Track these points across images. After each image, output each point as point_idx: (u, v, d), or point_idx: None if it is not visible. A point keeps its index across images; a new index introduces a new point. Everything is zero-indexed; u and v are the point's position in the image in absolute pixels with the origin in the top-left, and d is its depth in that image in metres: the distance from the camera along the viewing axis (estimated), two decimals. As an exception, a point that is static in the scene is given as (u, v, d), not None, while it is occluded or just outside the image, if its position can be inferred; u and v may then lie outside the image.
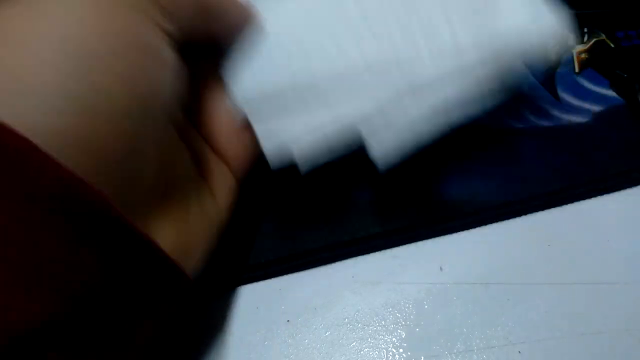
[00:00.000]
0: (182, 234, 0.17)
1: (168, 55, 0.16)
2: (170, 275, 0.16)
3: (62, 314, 0.12)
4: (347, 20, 0.19)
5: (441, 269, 0.23)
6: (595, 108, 0.27)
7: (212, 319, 0.22)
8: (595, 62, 0.29)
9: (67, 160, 0.12)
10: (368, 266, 0.23)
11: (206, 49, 0.20)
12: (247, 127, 0.20)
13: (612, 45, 0.29)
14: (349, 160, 0.26)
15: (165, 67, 0.16)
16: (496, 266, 0.23)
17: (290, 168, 0.20)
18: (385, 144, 0.19)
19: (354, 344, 0.21)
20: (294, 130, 0.19)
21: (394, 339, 0.21)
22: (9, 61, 0.12)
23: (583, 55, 0.29)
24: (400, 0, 0.19)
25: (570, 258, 0.23)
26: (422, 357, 0.21)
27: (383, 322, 0.22)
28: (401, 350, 0.21)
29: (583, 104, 0.27)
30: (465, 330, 0.21)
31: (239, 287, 0.23)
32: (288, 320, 0.22)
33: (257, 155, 0.21)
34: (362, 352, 0.21)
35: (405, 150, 0.19)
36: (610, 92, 0.27)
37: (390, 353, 0.21)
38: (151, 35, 0.15)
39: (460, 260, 0.23)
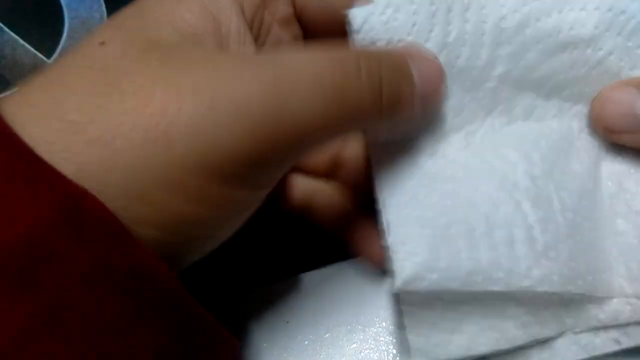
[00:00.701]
0: None
1: None
2: (219, 342, 0.16)
3: None
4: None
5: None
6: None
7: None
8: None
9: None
10: (369, 267, 0.23)
11: None
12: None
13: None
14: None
15: None
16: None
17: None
18: None
19: (354, 345, 0.21)
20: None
21: (394, 340, 0.21)
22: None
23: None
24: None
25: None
26: (423, 359, 0.21)
27: (384, 323, 0.21)
28: (401, 349, 0.21)
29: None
30: (466, 331, 0.21)
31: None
32: (287, 322, 0.22)
33: None
34: (362, 353, 0.21)
35: None
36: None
37: (391, 354, 0.21)
38: None
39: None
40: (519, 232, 0.18)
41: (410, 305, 0.18)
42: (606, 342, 0.19)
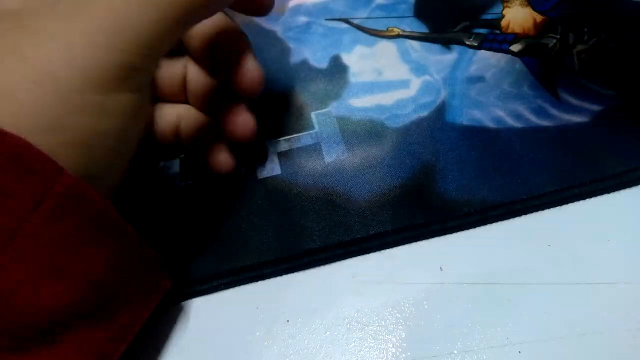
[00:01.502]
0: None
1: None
2: (152, 265, 0.19)
3: (79, 296, 0.16)
4: None
5: (441, 269, 0.23)
6: (595, 108, 0.27)
7: (212, 318, 0.22)
8: (596, 62, 0.29)
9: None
10: (369, 266, 0.23)
11: None
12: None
13: (613, 45, 0.29)
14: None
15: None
16: (496, 266, 0.23)
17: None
18: None
19: (354, 344, 0.21)
20: None
21: (394, 339, 0.21)
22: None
23: (584, 55, 0.29)
24: None
25: (570, 258, 0.23)
26: (423, 357, 0.21)
27: (383, 322, 0.22)
28: (401, 350, 0.21)
29: (583, 104, 0.27)
30: (465, 330, 0.21)
31: (239, 287, 0.23)
32: (288, 321, 0.22)
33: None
34: (362, 352, 0.21)
35: None
36: (610, 92, 0.27)
37: (390, 353, 0.21)
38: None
39: (460, 260, 0.23)
40: None
41: None
42: None
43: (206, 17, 0.20)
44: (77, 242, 0.16)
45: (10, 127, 0.15)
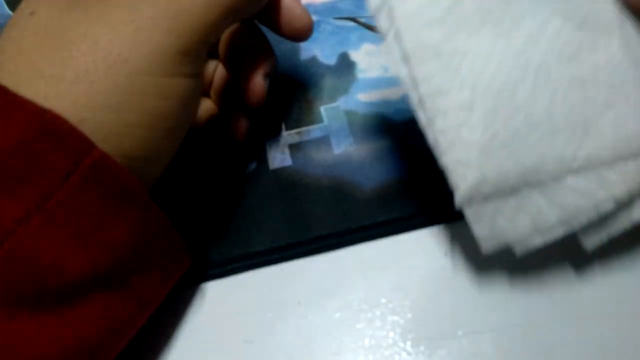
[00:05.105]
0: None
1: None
2: (172, 242, 0.20)
3: (100, 264, 0.17)
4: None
5: (445, 254, 0.24)
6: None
7: (225, 300, 0.23)
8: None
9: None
10: (377, 252, 0.24)
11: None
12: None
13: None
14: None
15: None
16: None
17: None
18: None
19: (363, 324, 0.22)
20: (508, 213, 0.19)
21: (400, 320, 0.22)
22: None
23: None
24: None
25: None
26: (428, 338, 0.22)
27: (390, 304, 0.23)
28: (407, 330, 0.22)
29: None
30: (468, 313, 0.22)
31: (252, 271, 0.24)
32: (299, 302, 0.23)
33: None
34: (370, 331, 0.22)
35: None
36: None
37: (397, 333, 0.22)
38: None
39: (464, 246, 0.24)
40: (560, 120, 0.18)
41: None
42: None
43: (249, 14, 0.21)
44: (102, 213, 0.17)
45: (85, 106, 0.16)
